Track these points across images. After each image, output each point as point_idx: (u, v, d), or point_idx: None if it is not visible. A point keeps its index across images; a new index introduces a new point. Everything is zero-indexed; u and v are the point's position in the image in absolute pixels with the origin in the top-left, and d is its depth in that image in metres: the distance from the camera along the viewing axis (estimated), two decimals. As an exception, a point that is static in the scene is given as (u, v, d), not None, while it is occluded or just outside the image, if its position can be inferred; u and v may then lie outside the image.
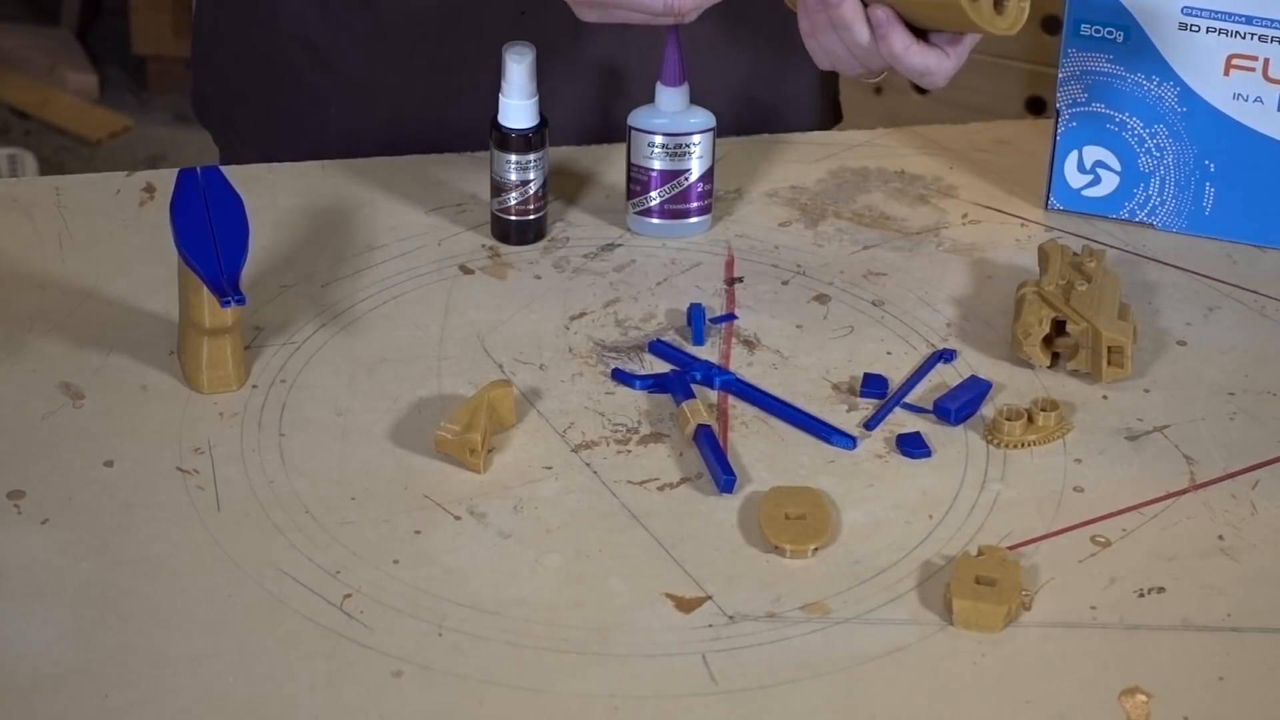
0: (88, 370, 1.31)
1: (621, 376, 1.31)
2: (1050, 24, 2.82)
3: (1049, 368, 1.33)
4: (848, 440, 1.26)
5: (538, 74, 1.40)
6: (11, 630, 1.11)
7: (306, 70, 1.54)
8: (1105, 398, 1.32)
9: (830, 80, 1.65)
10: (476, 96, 1.52)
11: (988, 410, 1.30)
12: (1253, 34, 1.42)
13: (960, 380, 1.32)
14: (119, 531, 1.18)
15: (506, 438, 1.26)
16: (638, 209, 1.45)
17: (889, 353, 1.35)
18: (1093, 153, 1.49)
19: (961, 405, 1.29)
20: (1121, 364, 1.31)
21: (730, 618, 1.14)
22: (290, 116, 1.56)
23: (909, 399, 1.31)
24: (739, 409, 1.29)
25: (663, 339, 1.35)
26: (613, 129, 1.54)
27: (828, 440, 1.26)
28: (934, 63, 1.34)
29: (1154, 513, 1.22)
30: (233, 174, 1.34)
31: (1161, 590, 1.16)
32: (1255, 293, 1.43)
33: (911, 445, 1.26)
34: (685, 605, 1.14)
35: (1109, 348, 1.31)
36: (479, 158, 1.51)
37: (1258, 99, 1.44)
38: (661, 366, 1.32)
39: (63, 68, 3.63)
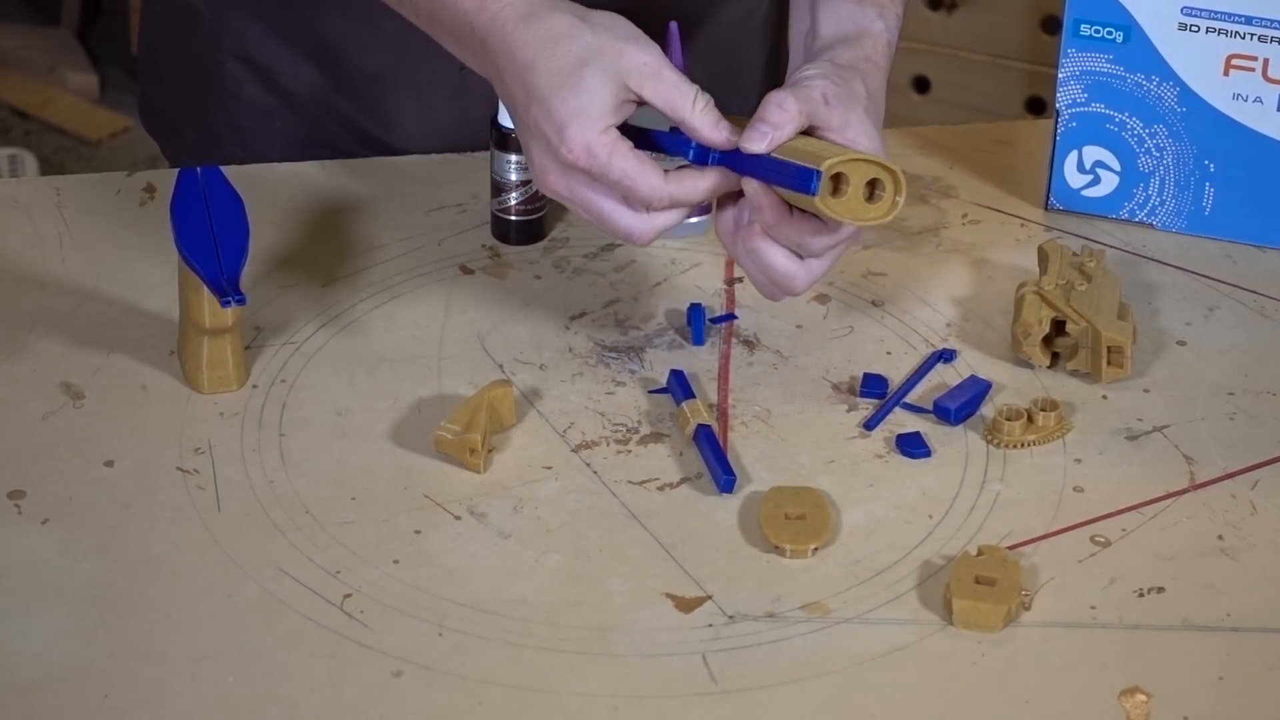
0: (88, 370, 1.31)
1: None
2: (1050, 24, 2.82)
3: (1049, 368, 1.33)
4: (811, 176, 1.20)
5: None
6: (11, 630, 1.11)
7: (248, 85, 1.54)
8: (1105, 398, 1.32)
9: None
10: (418, 111, 1.52)
11: (988, 410, 1.30)
12: (1252, 34, 1.42)
13: (960, 380, 1.32)
14: (119, 531, 1.18)
15: (506, 438, 1.26)
16: (638, 209, 1.45)
17: (889, 353, 1.35)
18: (1092, 153, 1.49)
19: (961, 405, 1.29)
20: (1121, 364, 1.31)
21: (730, 618, 1.14)
22: (234, 130, 1.56)
23: (909, 399, 1.31)
24: (739, 409, 1.30)
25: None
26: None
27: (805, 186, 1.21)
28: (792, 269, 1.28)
29: (1154, 513, 1.22)
30: (233, 174, 1.34)
31: (1161, 590, 1.16)
32: (1255, 293, 1.43)
33: (911, 445, 1.26)
34: (685, 605, 1.14)
35: (1109, 348, 1.31)
36: (479, 158, 1.51)
37: (1257, 99, 1.44)
38: (663, 365, 1.32)
39: (63, 68, 3.63)
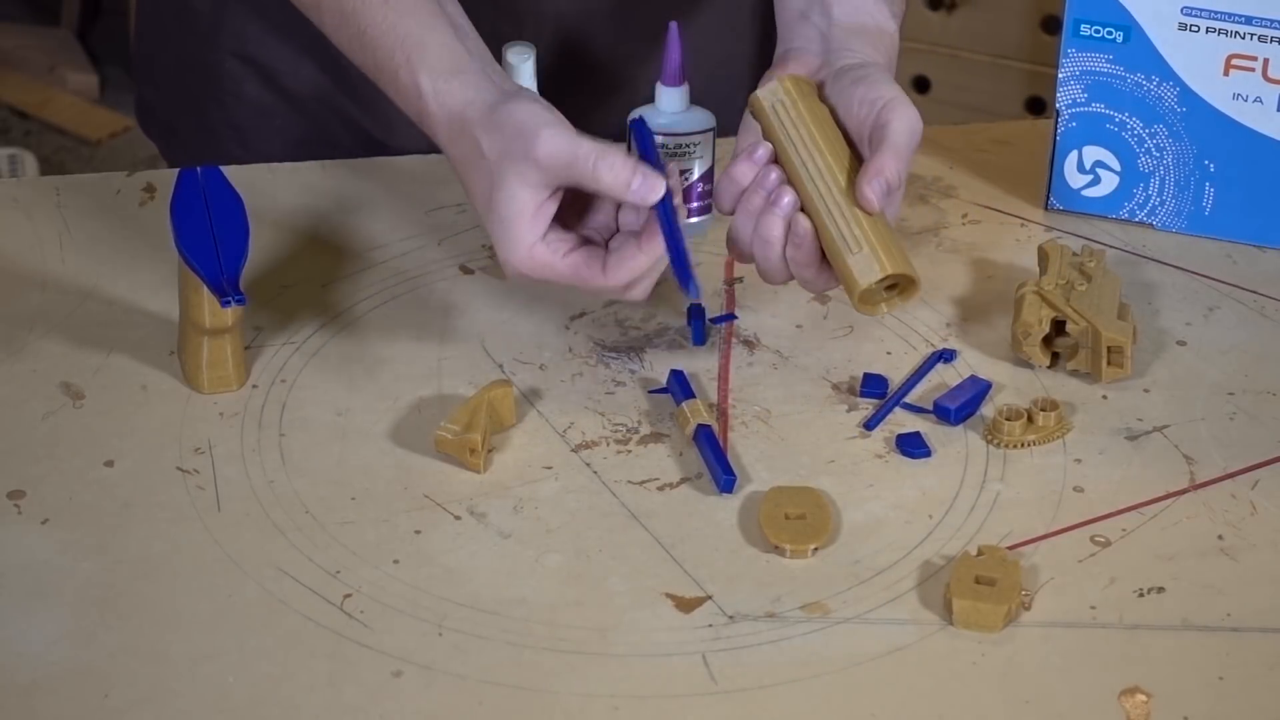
0: (88, 370, 1.31)
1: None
2: (1050, 24, 2.82)
3: (1049, 368, 1.33)
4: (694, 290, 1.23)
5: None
6: (11, 630, 1.11)
7: (246, 83, 1.55)
8: (1105, 398, 1.32)
9: None
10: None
11: (988, 410, 1.30)
12: (1252, 34, 1.42)
13: (960, 380, 1.32)
14: (119, 531, 1.18)
15: (506, 438, 1.26)
16: (638, 209, 1.45)
17: (889, 353, 1.35)
18: (1092, 153, 1.49)
19: (961, 405, 1.29)
20: (1121, 364, 1.31)
21: (730, 618, 1.14)
22: (232, 129, 1.57)
23: (909, 399, 1.31)
24: (739, 409, 1.30)
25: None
26: (612, 129, 1.54)
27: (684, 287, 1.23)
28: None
29: (1154, 513, 1.22)
30: (233, 174, 1.34)
31: (1161, 590, 1.16)
32: (1255, 293, 1.43)
33: (911, 445, 1.26)
34: (685, 605, 1.14)
35: (1109, 348, 1.31)
36: (479, 158, 1.51)
37: (1258, 99, 1.44)
38: (663, 365, 1.32)
39: (63, 68, 3.63)
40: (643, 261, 1.24)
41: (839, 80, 1.30)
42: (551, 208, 1.23)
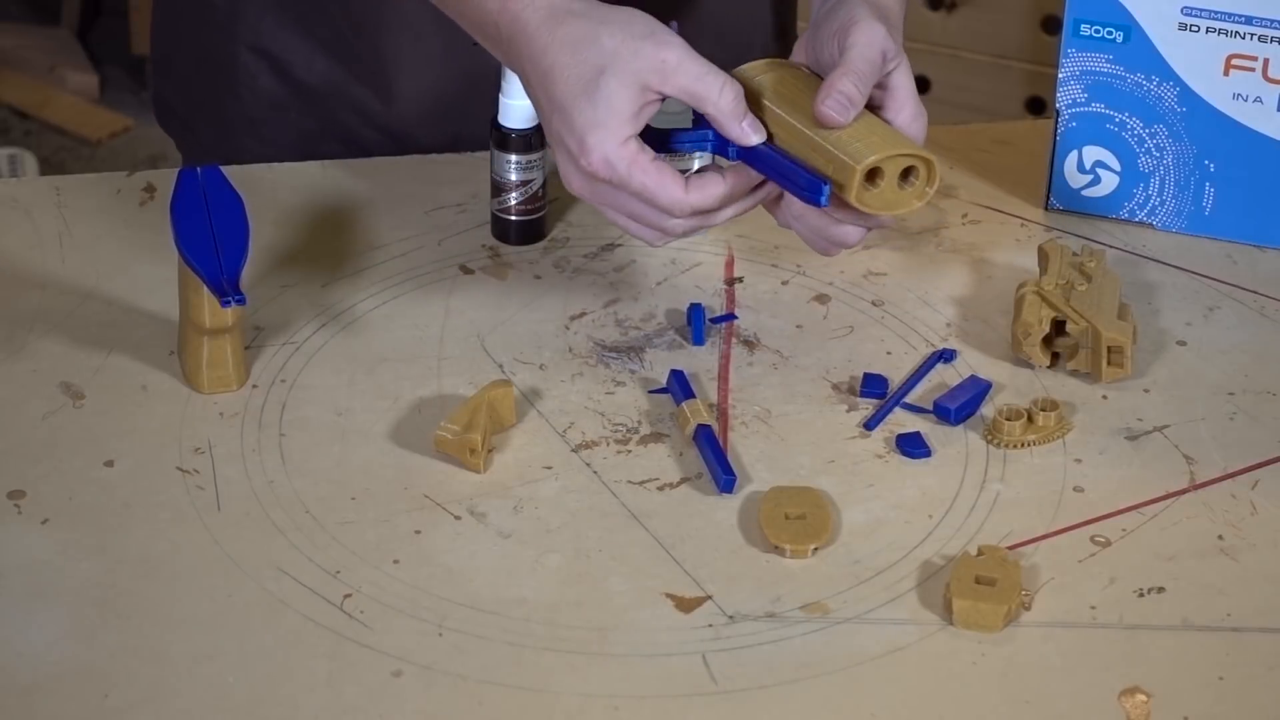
0: (88, 370, 1.31)
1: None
2: (1050, 24, 2.82)
3: (1049, 368, 1.33)
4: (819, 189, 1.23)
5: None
6: (11, 630, 1.11)
7: (262, 76, 1.55)
8: (1105, 398, 1.32)
9: None
10: (432, 102, 1.52)
11: (988, 410, 1.30)
12: (1252, 34, 1.42)
13: (960, 380, 1.32)
14: (119, 531, 1.18)
15: (506, 438, 1.26)
16: (638, 209, 1.45)
17: (889, 353, 1.35)
18: (1092, 153, 1.49)
19: (961, 405, 1.29)
20: (1121, 364, 1.31)
21: (730, 618, 1.14)
22: (248, 123, 1.57)
23: (909, 399, 1.31)
24: (739, 409, 1.30)
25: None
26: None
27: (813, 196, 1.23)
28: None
29: (1154, 513, 1.22)
30: (233, 174, 1.34)
31: (1161, 590, 1.16)
32: (1255, 293, 1.43)
33: (911, 445, 1.26)
34: (685, 605, 1.14)
35: (1109, 348, 1.31)
36: (479, 158, 1.51)
37: (1257, 99, 1.44)
38: (663, 365, 1.32)
39: (63, 68, 3.63)
40: (721, 191, 1.24)
41: (818, 30, 1.30)
42: (651, 111, 1.23)
